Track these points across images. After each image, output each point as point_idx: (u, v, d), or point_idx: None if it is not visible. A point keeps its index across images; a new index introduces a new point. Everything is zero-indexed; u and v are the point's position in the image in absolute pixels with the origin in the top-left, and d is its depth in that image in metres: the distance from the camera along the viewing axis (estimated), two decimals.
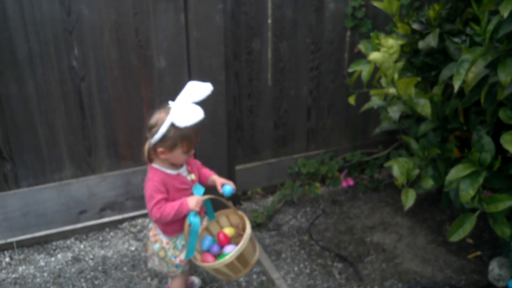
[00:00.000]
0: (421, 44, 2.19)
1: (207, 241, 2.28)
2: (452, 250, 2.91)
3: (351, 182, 3.33)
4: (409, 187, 2.03)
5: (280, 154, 3.26)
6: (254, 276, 2.70)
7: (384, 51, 1.88)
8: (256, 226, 3.04)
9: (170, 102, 2.02)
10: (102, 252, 2.85)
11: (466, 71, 1.69)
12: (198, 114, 1.94)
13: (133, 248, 2.89)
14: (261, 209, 3.18)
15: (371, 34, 2.23)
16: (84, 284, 2.62)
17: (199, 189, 2.14)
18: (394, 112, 2.12)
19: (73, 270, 2.72)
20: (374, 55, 1.89)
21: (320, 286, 2.66)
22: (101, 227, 2.99)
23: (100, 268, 2.74)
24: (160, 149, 2.00)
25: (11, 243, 2.80)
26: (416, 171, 1.99)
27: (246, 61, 2.94)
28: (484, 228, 3.03)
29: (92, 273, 2.70)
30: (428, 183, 1.99)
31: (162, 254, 2.23)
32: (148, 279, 2.66)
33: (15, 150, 2.64)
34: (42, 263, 2.76)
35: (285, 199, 3.23)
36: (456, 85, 1.71)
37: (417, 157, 2.15)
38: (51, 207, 2.82)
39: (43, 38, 2.48)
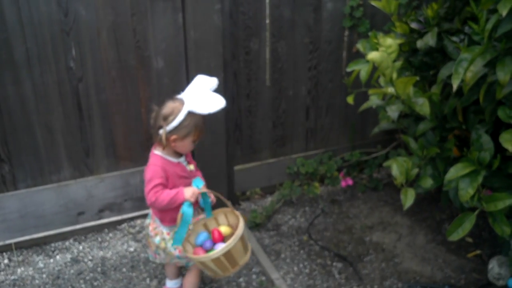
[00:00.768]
0: (419, 43, 2.18)
1: (202, 236, 2.29)
2: (452, 249, 2.91)
3: (350, 181, 3.32)
4: (408, 186, 2.02)
5: (279, 154, 3.26)
6: (254, 276, 2.69)
7: (382, 50, 1.88)
8: (255, 226, 3.04)
9: (181, 94, 2.13)
10: (101, 253, 2.84)
11: (464, 70, 1.69)
12: (220, 101, 2.07)
13: (132, 249, 2.88)
14: (260, 209, 3.17)
15: (369, 33, 2.23)
16: (83, 286, 2.62)
17: (198, 182, 2.19)
18: (393, 111, 2.12)
19: (72, 271, 2.71)
20: (373, 55, 1.89)
21: (319, 286, 2.66)
22: (99, 228, 2.98)
23: (99, 269, 2.73)
24: (173, 137, 2.10)
25: (10, 244, 2.79)
26: (415, 171, 1.98)
27: (245, 61, 2.93)
28: (484, 227, 3.02)
29: (91, 274, 2.69)
30: (427, 183, 1.99)
31: (162, 245, 2.27)
32: (148, 280, 2.66)
33: (13, 152, 2.64)
34: (40, 265, 2.75)
35: (284, 199, 3.23)
36: (455, 84, 1.70)
37: (416, 157, 2.15)
38: (50, 208, 2.81)
39: (40, 39, 2.47)
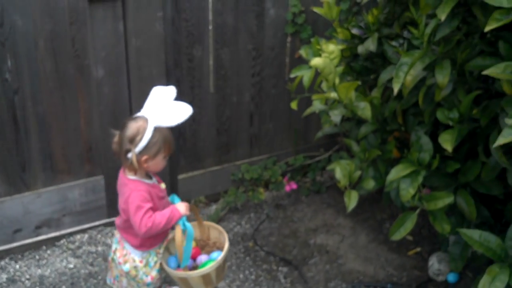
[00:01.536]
0: (360, 49, 2.25)
1: (172, 261, 2.24)
2: (393, 248, 3.00)
3: (294, 186, 3.37)
4: (351, 188, 2.08)
5: (223, 161, 3.26)
6: None
7: (325, 56, 1.93)
8: None
9: (141, 112, 2.04)
10: (39, 271, 2.74)
11: (405, 74, 1.76)
12: (186, 109, 2.00)
13: (71, 266, 2.79)
14: (204, 217, 3.16)
15: (312, 39, 2.28)
16: None
17: (177, 198, 2.16)
18: (336, 115, 2.17)
19: None
20: (316, 61, 1.93)
21: None
22: (37, 246, 2.86)
23: None
24: (144, 157, 2.01)
25: None
26: (358, 173, 2.04)
27: (188, 68, 2.92)
28: (423, 225, 3.14)
29: None
30: (370, 184, 2.05)
31: (133, 273, 2.17)
32: None
33: None
34: None
35: (229, 206, 3.23)
36: (396, 88, 1.77)
37: (357, 159, 2.21)
38: None
39: None
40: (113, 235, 3.01)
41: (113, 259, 2.24)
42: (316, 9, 2.37)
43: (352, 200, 1.97)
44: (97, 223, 3.00)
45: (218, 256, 2.18)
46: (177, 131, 3.02)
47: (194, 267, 2.23)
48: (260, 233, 3.09)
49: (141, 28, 2.61)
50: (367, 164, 2.14)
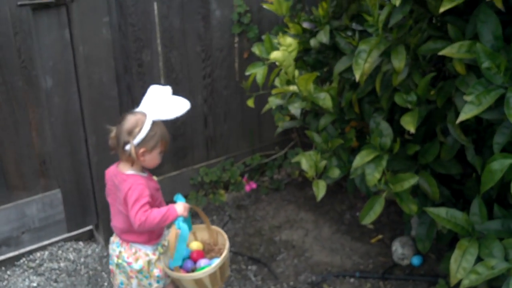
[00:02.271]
0: (312, 42, 2.28)
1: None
2: (356, 237, 3.05)
3: (253, 185, 3.37)
4: (318, 178, 2.10)
5: (181, 166, 3.22)
6: None
7: (283, 49, 1.94)
8: None
9: (139, 108, 2.09)
10: None
11: (364, 61, 1.79)
12: (184, 103, 2.05)
13: (35, 284, 2.69)
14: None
15: (263, 37, 2.30)
16: None
17: (181, 198, 2.16)
18: (296, 108, 2.19)
19: None
20: (275, 54, 1.94)
21: None
22: None
23: None
24: (142, 150, 2.03)
25: None
26: (323, 162, 2.07)
27: (138, 73, 2.88)
28: (382, 213, 3.20)
29: None
30: (335, 173, 2.08)
31: (146, 269, 2.16)
32: None
33: None
34: None
35: (191, 211, 3.19)
36: (358, 75, 1.80)
37: (319, 150, 2.23)
38: None
39: None
40: (74, 250, 2.93)
41: (118, 264, 2.19)
42: (266, 5, 2.38)
43: (320, 189, 1.99)
44: (57, 238, 2.92)
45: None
46: None
47: (193, 270, 2.21)
48: None
49: (88, 35, 2.54)
50: (330, 154, 2.17)
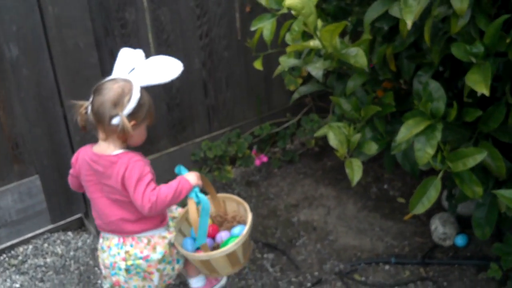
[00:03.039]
0: None
1: (188, 243, 1.96)
2: (386, 214, 2.66)
3: (264, 158, 2.96)
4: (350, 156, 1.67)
5: (180, 140, 2.80)
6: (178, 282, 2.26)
7: None
8: None
9: (112, 75, 1.81)
10: None
11: (417, 1, 1.34)
12: (176, 64, 1.80)
13: (17, 285, 2.34)
14: None
15: None
16: None
17: (184, 169, 1.91)
18: (317, 69, 1.75)
19: None
20: (291, 1, 1.49)
21: (254, 286, 2.28)
22: None
23: None
24: (132, 123, 1.74)
25: None
26: (357, 136, 1.63)
27: (121, 36, 2.43)
28: (413, 185, 2.80)
29: None
30: (371, 148, 1.65)
31: (168, 254, 1.88)
32: None
33: None
34: None
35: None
36: (409, 20, 1.35)
37: (348, 120, 1.79)
38: None
39: None
40: (62, 242, 2.58)
41: (128, 269, 1.86)
42: None
43: (356, 171, 1.56)
44: (41, 230, 2.57)
45: (241, 231, 1.92)
46: None
47: (215, 247, 1.97)
48: None
49: None
50: (362, 124, 1.73)
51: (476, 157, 1.44)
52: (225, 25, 2.73)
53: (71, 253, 2.53)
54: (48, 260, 2.47)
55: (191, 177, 1.83)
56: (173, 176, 2.77)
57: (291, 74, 2.87)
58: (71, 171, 1.98)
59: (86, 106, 1.78)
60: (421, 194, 1.50)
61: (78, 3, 2.18)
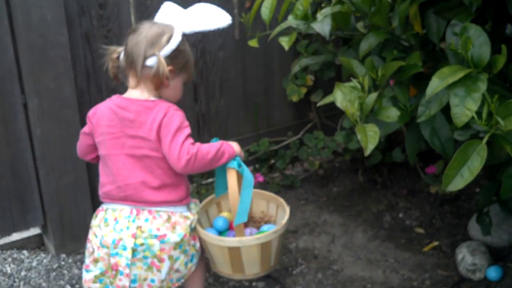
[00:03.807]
0: None
1: (221, 222, 1.79)
2: (402, 245, 2.22)
3: (260, 178, 2.56)
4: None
5: None
6: None
7: None
8: None
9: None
10: None
11: None
12: (223, 14, 1.62)
13: None
14: None
15: None
16: None
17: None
18: (323, 23, 1.40)
19: None
20: None
21: None
22: None
23: None
24: (169, 68, 1.54)
25: None
26: (373, 96, 1.24)
27: (99, 17, 2.11)
28: (433, 214, 2.38)
29: None
30: (392, 114, 1.25)
31: (187, 240, 1.58)
32: None
33: None
34: None
35: None
36: None
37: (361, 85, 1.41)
38: None
39: None
40: (14, 260, 2.20)
41: (135, 249, 1.52)
42: None
43: (371, 138, 1.15)
44: None
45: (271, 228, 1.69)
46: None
47: None
48: None
49: None
50: (381, 89, 1.35)
51: None
52: None
53: (23, 273, 2.12)
54: None
55: (235, 145, 1.64)
56: None
57: (294, 82, 2.53)
58: (83, 129, 1.68)
59: (119, 51, 1.60)
60: (460, 163, 1.09)
61: None
